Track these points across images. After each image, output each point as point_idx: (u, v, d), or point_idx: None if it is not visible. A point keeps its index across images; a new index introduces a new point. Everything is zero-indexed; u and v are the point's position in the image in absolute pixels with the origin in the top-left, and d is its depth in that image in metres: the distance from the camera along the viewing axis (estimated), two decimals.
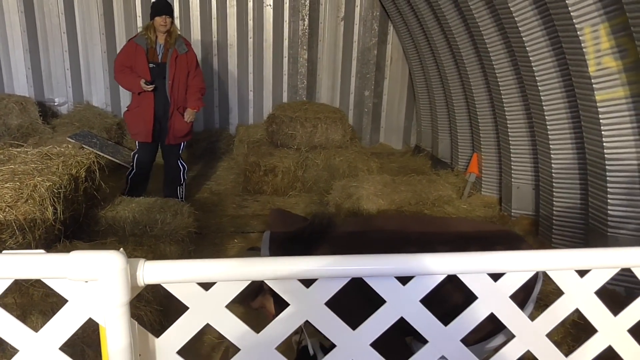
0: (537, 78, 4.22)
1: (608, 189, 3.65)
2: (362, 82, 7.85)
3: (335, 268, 1.23)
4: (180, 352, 1.26)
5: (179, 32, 4.86)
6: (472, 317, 1.35)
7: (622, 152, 3.59)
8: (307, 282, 1.26)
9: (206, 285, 1.22)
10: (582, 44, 3.53)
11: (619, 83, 3.46)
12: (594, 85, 3.57)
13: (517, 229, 4.67)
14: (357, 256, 1.27)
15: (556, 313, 1.38)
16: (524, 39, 4.20)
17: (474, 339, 1.67)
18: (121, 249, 1.13)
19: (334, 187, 5.29)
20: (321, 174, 6.00)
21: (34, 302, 2.66)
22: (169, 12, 4.63)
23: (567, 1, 3.48)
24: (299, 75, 7.70)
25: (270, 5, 7.31)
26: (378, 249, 1.34)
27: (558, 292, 1.36)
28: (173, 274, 1.17)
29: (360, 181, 5.13)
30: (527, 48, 4.21)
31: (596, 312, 1.38)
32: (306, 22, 7.47)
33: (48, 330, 1.15)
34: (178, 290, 1.21)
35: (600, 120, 3.60)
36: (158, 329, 2.41)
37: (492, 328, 1.77)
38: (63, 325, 1.15)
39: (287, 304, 1.27)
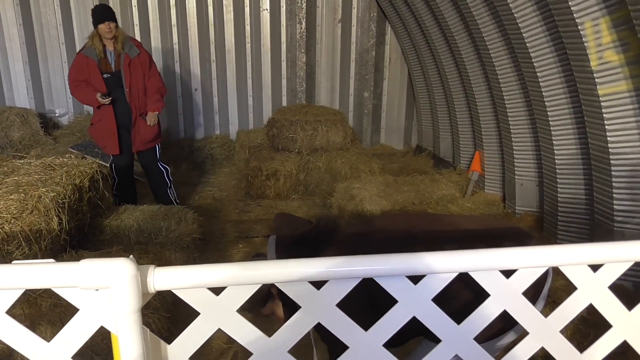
0: (538, 74, 4.22)
1: (613, 184, 3.64)
2: (361, 84, 7.85)
3: (346, 269, 1.23)
4: (191, 358, 1.25)
5: (125, 35, 4.59)
6: (484, 315, 1.34)
7: (626, 145, 3.58)
8: (317, 285, 1.25)
9: (216, 291, 1.22)
10: (583, 39, 3.52)
11: (622, 77, 3.45)
12: (596, 80, 3.56)
13: (521, 225, 4.64)
14: (368, 256, 1.26)
15: (569, 309, 1.37)
16: (523, 35, 4.19)
17: (484, 337, 1.65)
18: (131, 256, 1.13)
19: (336, 190, 5.28)
20: (323, 176, 6.00)
21: (43, 313, 2.65)
22: (111, 17, 4.39)
23: None
24: (298, 78, 7.70)
25: (267, 9, 7.32)
26: (385, 249, 1.33)
27: (567, 288, 1.36)
28: (183, 280, 1.17)
29: (363, 183, 5.13)
30: (527, 44, 4.20)
31: (610, 307, 1.37)
32: (303, 25, 7.48)
33: (60, 339, 1.15)
34: (188, 296, 1.20)
35: (604, 115, 3.59)
36: (167, 336, 2.40)
37: (502, 325, 1.76)
38: (75, 334, 1.15)
39: (297, 308, 1.27)
